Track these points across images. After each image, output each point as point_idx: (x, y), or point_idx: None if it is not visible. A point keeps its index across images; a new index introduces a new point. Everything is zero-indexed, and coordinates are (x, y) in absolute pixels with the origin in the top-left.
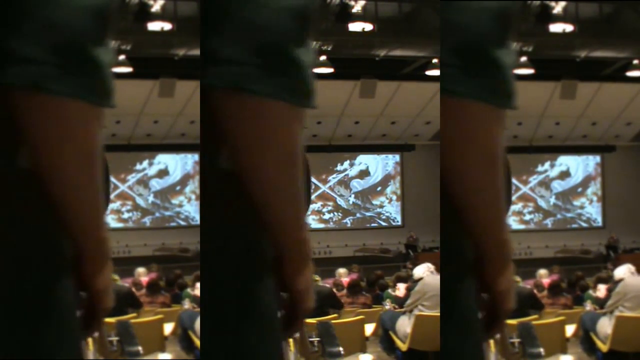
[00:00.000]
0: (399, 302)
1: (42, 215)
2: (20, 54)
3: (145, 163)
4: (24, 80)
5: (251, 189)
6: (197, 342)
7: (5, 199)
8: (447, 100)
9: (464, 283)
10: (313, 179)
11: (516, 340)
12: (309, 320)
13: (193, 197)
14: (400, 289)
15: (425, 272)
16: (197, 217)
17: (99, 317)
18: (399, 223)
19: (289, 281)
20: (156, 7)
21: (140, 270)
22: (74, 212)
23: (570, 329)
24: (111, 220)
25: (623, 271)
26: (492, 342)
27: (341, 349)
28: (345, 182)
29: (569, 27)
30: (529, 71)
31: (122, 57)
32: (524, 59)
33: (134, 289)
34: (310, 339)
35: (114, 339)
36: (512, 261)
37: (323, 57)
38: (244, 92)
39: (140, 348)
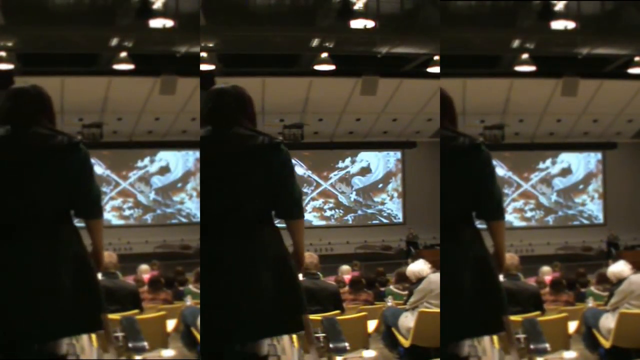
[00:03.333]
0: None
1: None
2: (90, 208)
3: (147, 160)
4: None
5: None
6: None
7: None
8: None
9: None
10: (314, 176)
11: (522, 336)
12: (314, 317)
13: (194, 194)
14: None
15: (423, 268)
16: (198, 214)
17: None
18: (401, 220)
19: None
20: (158, 4)
21: (143, 267)
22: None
23: (572, 326)
24: (112, 217)
25: (621, 268)
26: (496, 338)
27: (347, 344)
28: (346, 179)
29: (570, 24)
30: (531, 68)
31: (123, 54)
32: (525, 56)
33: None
34: (316, 335)
35: (120, 334)
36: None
37: (324, 55)
38: (300, 218)
39: (146, 344)
